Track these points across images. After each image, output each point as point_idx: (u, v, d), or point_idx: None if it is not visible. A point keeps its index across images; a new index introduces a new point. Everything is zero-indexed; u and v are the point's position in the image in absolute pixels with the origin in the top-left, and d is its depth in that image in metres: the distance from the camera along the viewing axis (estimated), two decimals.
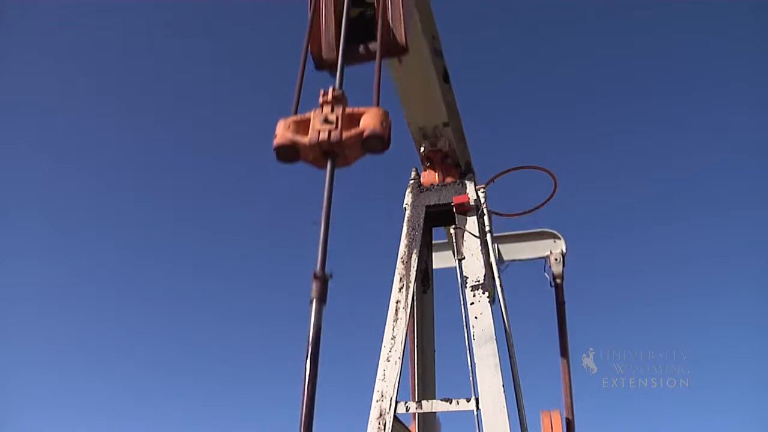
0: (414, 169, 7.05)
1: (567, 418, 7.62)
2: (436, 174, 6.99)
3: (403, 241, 6.40)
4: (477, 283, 6.11)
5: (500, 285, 6.82)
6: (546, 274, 8.47)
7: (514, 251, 8.63)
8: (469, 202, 6.54)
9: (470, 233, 6.41)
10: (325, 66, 3.88)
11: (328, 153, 2.99)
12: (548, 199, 8.26)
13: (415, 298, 6.30)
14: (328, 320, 2.77)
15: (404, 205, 6.78)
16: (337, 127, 2.97)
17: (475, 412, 5.64)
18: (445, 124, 6.79)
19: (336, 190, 3.04)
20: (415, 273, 6.19)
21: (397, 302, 6.03)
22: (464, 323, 6.07)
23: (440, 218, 6.82)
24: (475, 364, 5.81)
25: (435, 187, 6.83)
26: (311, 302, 2.68)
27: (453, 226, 6.58)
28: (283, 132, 3.07)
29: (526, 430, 6.61)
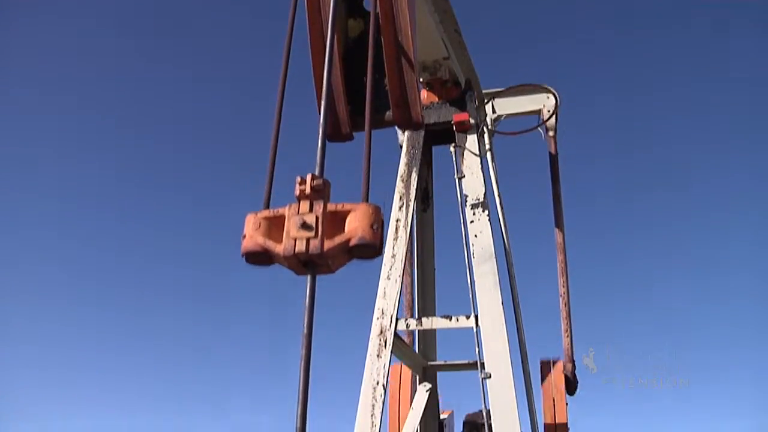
0: None
1: (566, 375, 7.62)
2: (437, 96, 6.86)
3: (403, 160, 6.32)
4: (477, 201, 6.08)
5: (500, 203, 6.80)
6: (540, 128, 8.39)
7: (507, 106, 8.50)
8: (468, 121, 6.43)
9: (470, 152, 6.33)
10: (333, 139, 3.45)
11: (308, 263, 2.45)
12: (549, 116, 8.13)
13: (414, 216, 6.27)
14: None
15: None
16: (316, 233, 2.39)
17: (475, 329, 5.71)
18: (446, 58, 6.61)
19: None
20: (414, 192, 6.14)
21: (397, 221, 6.01)
22: (464, 242, 6.07)
23: (440, 137, 6.72)
24: (474, 282, 5.85)
25: (435, 105, 6.69)
26: None
27: (453, 144, 6.49)
28: (252, 233, 2.52)
29: (525, 346, 6.73)
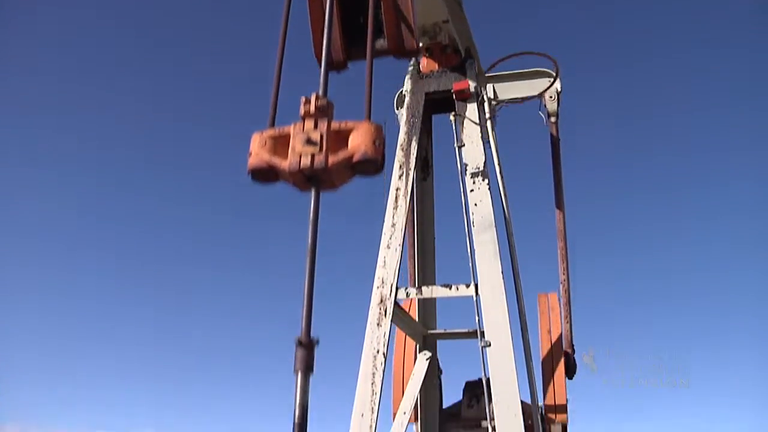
0: None
1: (566, 355, 7.65)
2: (436, 63, 6.79)
3: (403, 129, 6.29)
4: (477, 170, 6.05)
5: (500, 172, 6.76)
6: (541, 112, 8.34)
7: (508, 90, 8.42)
8: (468, 89, 6.38)
9: (470, 120, 6.29)
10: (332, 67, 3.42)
11: (312, 178, 2.55)
12: (551, 85, 8.07)
13: (414, 185, 6.25)
14: (331, 207, 2.65)
15: (403, 92, 6.62)
16: (321, 149, 2.50)
17: (474, 298, 5.71)
18: (445, 21, 6.52)
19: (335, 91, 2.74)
20: (414, 160, 6.11)
21: (396, 190, 6.00)
22: (464, 210, 6.06)
23: (440, 105, 6.67)
24: (474, 250, 5.84)
25: (435, 73, 6.64)
26: (296, 372, 2.31)
27: (453, 113, 6.44)
28: (258, 151, 2.61)
29: (524, 315, 6.74)
